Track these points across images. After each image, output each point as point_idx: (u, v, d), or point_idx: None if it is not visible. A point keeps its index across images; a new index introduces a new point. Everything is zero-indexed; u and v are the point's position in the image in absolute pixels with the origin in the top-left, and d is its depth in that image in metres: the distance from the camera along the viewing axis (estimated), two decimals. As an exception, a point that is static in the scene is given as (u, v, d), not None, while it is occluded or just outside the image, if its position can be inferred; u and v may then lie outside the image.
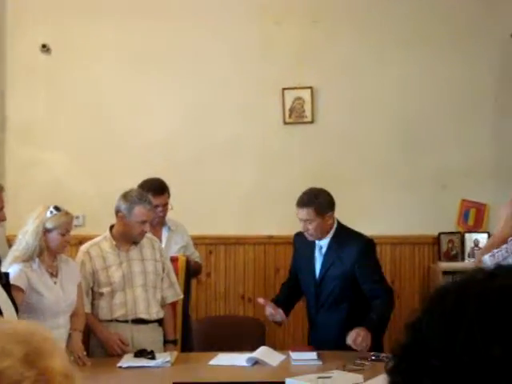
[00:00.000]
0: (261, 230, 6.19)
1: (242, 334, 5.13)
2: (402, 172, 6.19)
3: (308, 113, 6.23)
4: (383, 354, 4.36)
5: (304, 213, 4.47)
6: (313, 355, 4.30)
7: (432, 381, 0.90)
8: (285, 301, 4.77)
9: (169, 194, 5.24)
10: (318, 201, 4.48)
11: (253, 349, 4.42)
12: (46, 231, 4.14)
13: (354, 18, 6.24)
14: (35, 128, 6.32)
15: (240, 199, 6.23)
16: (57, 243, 4.18)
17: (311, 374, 3.95)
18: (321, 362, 4.24)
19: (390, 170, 6.19)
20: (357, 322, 4.38)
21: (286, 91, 6.22)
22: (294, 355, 4.32)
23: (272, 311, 4.60)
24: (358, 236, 4.65)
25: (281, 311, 4.60)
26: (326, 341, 4.52)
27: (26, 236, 4.15)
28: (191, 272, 5.25)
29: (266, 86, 6.24)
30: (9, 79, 6.35)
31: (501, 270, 0.98)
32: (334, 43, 6.22)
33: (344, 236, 4.59)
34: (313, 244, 4.65)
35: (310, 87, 6.22)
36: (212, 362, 4.32)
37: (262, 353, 4.35)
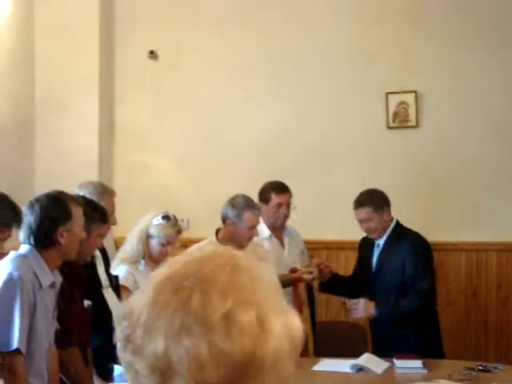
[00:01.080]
0: (362, 235, 6.13)
1: (344, 339, 5.11)
2: (509, 177, 6.03)
3: (412, 117, 6.15)
4: (490, 365, 4.30)
5: (363, 212, 4.70)
6: (418, 363, 4.25)
7: None
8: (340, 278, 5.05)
9: (291, 194, 5.25)
10: (373, 198, 4.71)
11: (355, 355, 4.41)
12: (149, 236, 4.21)
13: (458, 20, 6.12)
14: (143, 133, 6.47)
15: (343, 204, 6.18)
16: (156, 251, 4.23)
17: (417, 382, 3.91)
18: (426, 371, 4.18)
19: (497, 174, 6.04)
20: (411, 316, 4.58)
21: (389, 95, 6.16)
22: (399, 363, 4.28)
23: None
24: (415, 235, 4.83)
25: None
26: (381, 333, 4.74)
27: (132, 238, 4.25)
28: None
29: (369, 90, 6.20)
30: (117, 84, 6.54)
31: None
32: (437, 46, 6.12)
33: (401, 234, 4.78)
34: (372, 243, 4.87)
35: (415, 91, 6.14)
36: (316, 368, 4.32)
37: (367, 360, 4.33)
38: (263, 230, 5.11)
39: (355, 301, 4.57)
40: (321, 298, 6.23)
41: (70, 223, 3.17)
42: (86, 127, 6.28)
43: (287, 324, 0.91)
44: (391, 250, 4.72)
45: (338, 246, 6.21)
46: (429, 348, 4.58)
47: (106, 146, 6.44)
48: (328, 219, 6.24)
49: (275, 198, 5.12)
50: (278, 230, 5.24)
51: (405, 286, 4.66)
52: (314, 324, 5.17)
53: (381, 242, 4.79)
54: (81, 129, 6.27)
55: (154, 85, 6.48)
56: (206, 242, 4.74)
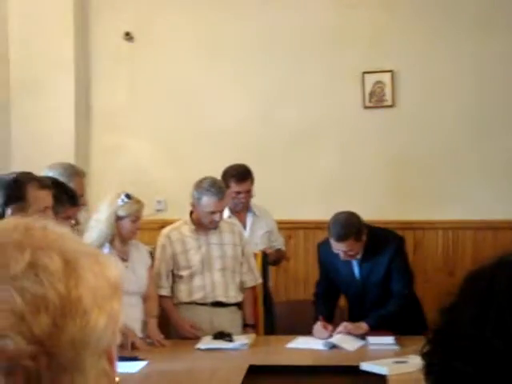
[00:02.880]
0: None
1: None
2: (482, 156, 6.07)
3: (388, 97, 6.17)
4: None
5: (345, 245, 4.45)
6: (390, 340, 4.29)
7: (463, 364, 0.90)
8: (329, 316, 4.72)
9: (252, 180, 5.21)
10: (354, 229, 4.44)
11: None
12: (118, 218, 4.27)
13: (432, 3, 6.15)
14: (119, 115, 6.45)
15: (320, 184, 6.23)
16: (128, 230, 4.32)
17: (387, 358, 3.95)
18: (398, 347, 4.23)
19: (470, 154, 6.09)
20: (403, 316, 4.52)
21: (366, 75, 6.17)
22: (371, 340, 4.33)
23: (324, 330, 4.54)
24: (389, 236, 4.68)
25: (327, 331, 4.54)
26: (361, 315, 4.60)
27: (99, 224, 4.28)
28: (270, 263, 5.30)
29: (345, 69, 6.21)
30: (93, 66, 6.49)
31: None
32: (413, 26, 6.14)
33: (375, 241, 4.59)
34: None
35: (391, 71, 6.15)
36: (290, 345, 4.36)
37: (340, 338, 4.37)
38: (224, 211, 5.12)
39: (340, 329, 4.45)
40: (299, 276, 6.27)
41: (22, 204, 3.14)
42: (62, 109, 6.24)
43: (100, 263, 0.93)
44: (372, 261, 4.58)
45: (316, 226, 6.21)
46: (411, 325, 4.55)
47: (83, 128, 6.41)
48: (306, 199, 6.26)
49: (234, 186, 5.12)
50: (241, 212, 5.26)
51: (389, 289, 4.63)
52: (266, 300, 5.16)
53: (357, 256, 4.61)
54: (57, 111, 6.22)
55: (130, 66, 6.45)
56: (180, 223, 4.77)
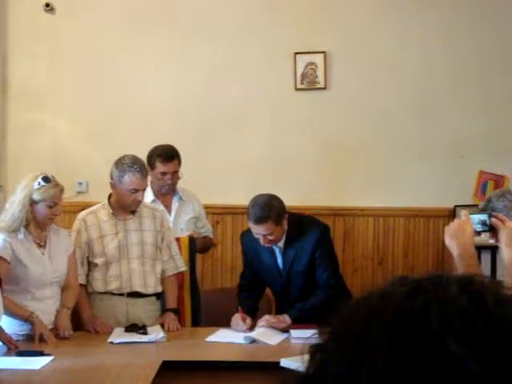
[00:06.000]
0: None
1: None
2: (418, 142, 5.95)
3: (321, 79, 5.98)
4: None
5: (263, 228, 4.28)
6: (313, 332, 4.10)
7: None
8: (252, 308, 4.56)
9: (179, 161, 4.97)
10: (273, 211, 4.27)
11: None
12: (33, 203, 3.98)
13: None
14: (37, 91, 6.12)
15: (249, 168, 6.03)
16: (43, 215, 4.02)
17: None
18: (323, 340, 4.04)
19: (405, 139, 5.96)
20: (331, 307, 4.25)
21: (298, 56, 5.97)
22: (294, 333, 4.14)
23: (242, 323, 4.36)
24: (312, 224, 4.51)
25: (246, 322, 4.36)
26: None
27: (12, 206, 4.00)
28: (196, 250, 5.04)
29: (277, 50, 6.00)
30: (10, 39, 6.15)
31: (429, 283, 0.77)
32: (348, 6, 5.96)
33: (298, 228, 4.43)
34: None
35: (323, 52, 5.96)
36: (209, 339, 4.15)
37: (261, 332, 4.18)
38: (148, 194, 4.87)
39: (260, 323, 4.30)
40: (226, 263, 6.08)
41: None
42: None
43: None
44: (295, 249, 4.42)
45: (245, 212, 5.99)
46: None
47: (-2, 104, 6.09)
48: (234, 183, 6.05)
49: (160, 167, 4.88)
50: (166, 196, 5.02)
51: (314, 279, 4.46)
52: (194, 288, 4.94)
53: (279, 243, 4.45)
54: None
55: (50, 39, 6.11)
56: (98, 207, 4.52)
